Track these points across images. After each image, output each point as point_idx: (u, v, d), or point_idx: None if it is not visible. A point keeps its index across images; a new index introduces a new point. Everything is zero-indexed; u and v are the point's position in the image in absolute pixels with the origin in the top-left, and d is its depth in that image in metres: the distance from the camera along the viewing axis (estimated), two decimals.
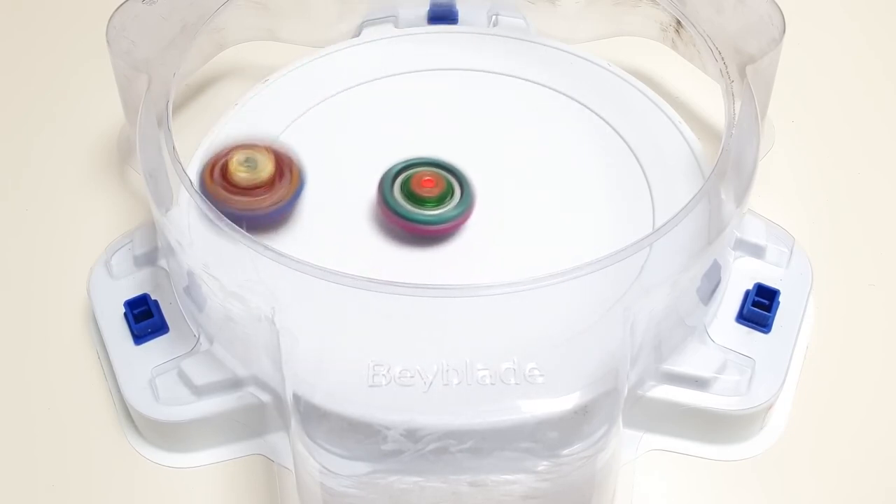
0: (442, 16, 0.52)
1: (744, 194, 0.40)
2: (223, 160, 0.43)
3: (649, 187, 0.45)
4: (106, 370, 0.43)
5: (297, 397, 0.36)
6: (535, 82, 0.49)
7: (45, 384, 0.43)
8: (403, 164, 0.44)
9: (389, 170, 0.44)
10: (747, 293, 0.43)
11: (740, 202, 0.40)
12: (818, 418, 0.42)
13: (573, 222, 0.44)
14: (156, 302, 0.43)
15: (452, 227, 0.43)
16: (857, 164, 0.51)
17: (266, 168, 0.43)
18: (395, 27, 0.52)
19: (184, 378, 0.40)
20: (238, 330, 0.40)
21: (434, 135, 0.46)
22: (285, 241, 0.43)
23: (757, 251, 0.44)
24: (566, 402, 0.36)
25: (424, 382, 0.37)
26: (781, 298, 0.43)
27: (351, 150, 0.46)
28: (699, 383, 0.40)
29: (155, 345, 0.42)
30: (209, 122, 0.47)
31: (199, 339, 0.42)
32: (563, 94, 0.48)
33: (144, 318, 0.42)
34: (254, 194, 0.42)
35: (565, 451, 0.36)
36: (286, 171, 0.43)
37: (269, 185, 0.42)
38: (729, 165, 0.42)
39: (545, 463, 0.36)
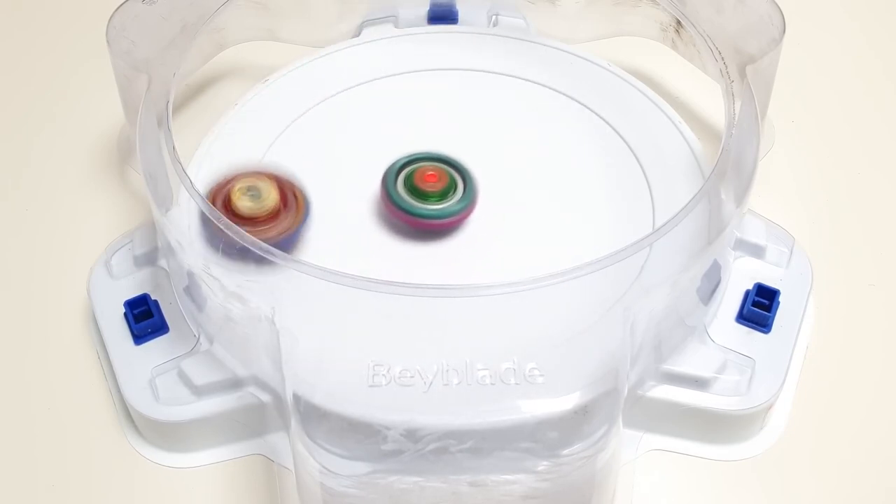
0: (442, 16, 0.52)
1: (744, 194, 0.40)
2: (225, 190, 0.42)
3: (649, 187, 0.45)
4: (106, 370, 0.43)
5: (297, 397, 0.36)
6: (535, 82, 0.49)
7: (45, 384, 0.43)
8: (407, 159, 0.44)
9: (393, 164, 0.44)
10: (747, 293, 0.43)
11: (740, 202, 0.40)
12: (818, 418, 0.42)
13: (573, 222, 0.44)
14: (156, 302, 0.43)
15: (455, 221, 0.43)
16: (857, 164, 0.51)
17: (270, 196, 0.42)
18: (395, 27, 0.52)
19: (184, 378, 0.40)
20: (238, 330, 0.40)
21: (434, 135, 0.46)
22: None
23: (757, 251, 0.44)
24: (566, 402, 0.36)
25: (424, 382, 0.37)
26: (781, 298, 0.43)
27: (351, 150, 0.46)
28: (699, 383, 0.40)
29: (155, 345, 0.42)
30: (209, 122, 0.47)
31: (199, 339, 0.42)
32: (563, 94, 0.48)
33: (144, 318, 0.42)
34: (259, 224, 0.41)
35: (565, 451, 0.36)
36: (291, 199, 0.42)
37: (275, 214, 0.41)
38: (729, 165, 0.42)
39: (545, 463, 0.36)
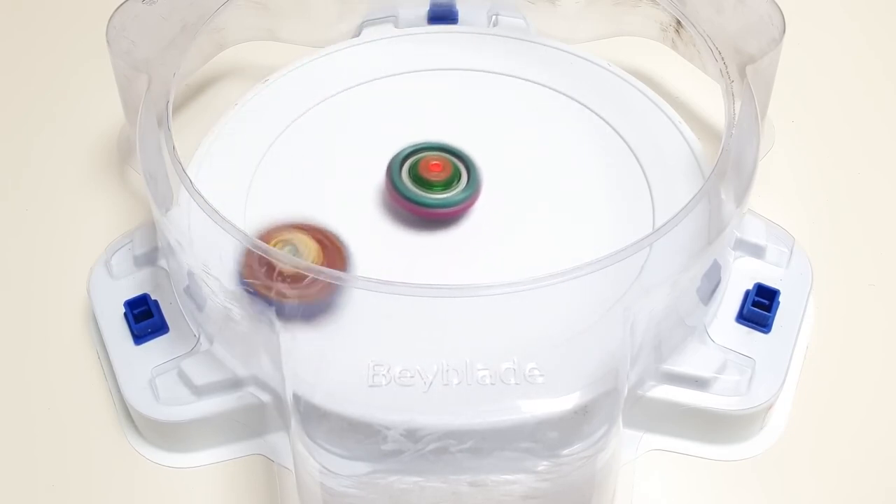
0: (442, 16, 0.52)
1: (744, 194, 0.40)
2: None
3: (649, 187, 0.45)
4: (106, 370, 0.43)
5: (297, 397, 0.36)
6: (535, 82, 0.49)
7: (45, 384, 0.43)
8: (411, 149, 0.44)
9: (397, 154, 0.44)
10: (747, 293, 0.43)
11: (740, 202, 0.40)
12: (818, 418, 0.42)
13: (573, 222, 0.44)
14: (156, 302, 0.43)
15: (459, 210, 0.43)
16: (857, 164, 0.51)
17: (311, 251, 0.40)
18: (395, 27, 0.52)
19: (184, 378, 0.40)
20: (238, 330, 0.40)
21: (434, 135, 0.46)
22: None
23: (757, 251, 0.44)
24: (566, 402, 0.36)
25: (424, 382, 0.37)
26: (781, 298, 0.43)
27: (351, 150, 0.46)
28: (699, 383, 0.40)
29: (155, 345, 0.42)
30: (209, 122, 0.47)
31: (199, 339, 0.42)
32: (563, 94, 0.48)
33: (144, 318, 0.42)
34: (302, 282, 0.38)
35: (565, 451, 0.36)
36: (333, 251, 0.40)
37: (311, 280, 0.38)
38: (729, 165, 0.42)
39: (545, 463, 0.36)
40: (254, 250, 0.38)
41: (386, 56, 0.50)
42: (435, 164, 0.43)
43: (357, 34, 0.52)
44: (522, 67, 0.50)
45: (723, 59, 0.44)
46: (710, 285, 0.42)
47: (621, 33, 0.52)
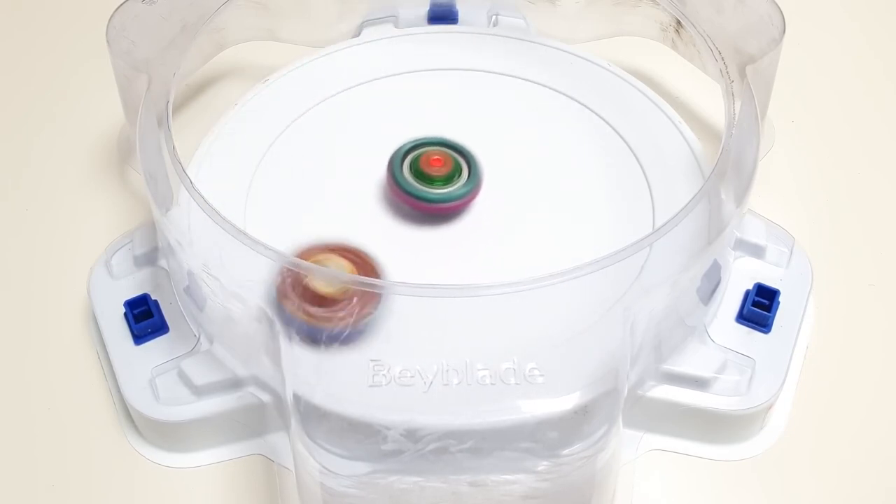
0: (442, 16, 0.52)
1: (744, 194, 0.40)
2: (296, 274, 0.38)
3: (649, 187, 0.45)
4: (106, 370, 0.43)
5: (297, 397, 0.36)
6: (535, 82, 0.49)
7: (45, 384, 0.43)
8: (413, 144, 0.44)
9: (399, 149, 0.44)
10: (747, 293, 0.43)
11: (740, 202, 0.40)
12: (818, 418, 0.42)
13: (573, 222, 0.44)
14: (156, 302, 0.43)
15: (460, 205, 0.43)
16: (857, 164, 0.51)
17: (345, 272, 0.39)
18: (395, 27, 0.52)
19: (184, 378, 0.40)
20: (238, 330, 0.40)
21: (434, 135, 0.46)
22: (291, 230, 0.43)
23: (757, 251, 0.44)
24: (566, 402, 0.36)
25: (424, 382, 0.37)
26: (781, 298, 0.43)
27: (351, 150, 0.46)
28: (699, 383, 0.40)
29: (155, 345, 0.42)
30: (209, 122, 0.47)
31: (199, 339, 0.42)
32: (563, 94, 0.48)
33: (144, 318, 0.42)
34: (339, 307, 0.37)
35: (565, 451, 0.36)
36: (367, 269, 0.39)
37: (352, 295, 0.38)
38: (729, 165, 0.42)
39: (545, 463, 0.36)
40: (299, 269, 0.38)
41: (386, 56, 0.50)
42: (436, 159, 0.44)
43: (357, 34, 0.52)
44: (522, 67, 0.50)
45: (723, 59, 0.44)
46: (710, 285, 0.42)
47: (621, 33, 0.52)
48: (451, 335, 0.39)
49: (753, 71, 0.44)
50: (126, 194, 0.49)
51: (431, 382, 0.37)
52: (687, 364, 0.40)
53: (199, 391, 0.40)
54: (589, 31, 0.52)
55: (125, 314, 0.42)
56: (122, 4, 0.46)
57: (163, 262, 0.44)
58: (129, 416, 0.42)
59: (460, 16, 0.52)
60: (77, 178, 0.50)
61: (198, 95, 0.53)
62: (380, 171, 0.44)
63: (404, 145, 0.44)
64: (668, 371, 0.40)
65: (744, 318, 0.42)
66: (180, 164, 0.41)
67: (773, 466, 0.41)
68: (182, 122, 0.51)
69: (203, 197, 0.40)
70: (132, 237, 0.45)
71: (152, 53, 0.45)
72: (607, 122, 0.47)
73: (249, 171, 0.45)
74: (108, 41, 0.45)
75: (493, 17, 0.52)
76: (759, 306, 0.42)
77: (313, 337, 0.37)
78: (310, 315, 0.37)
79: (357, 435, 0.36)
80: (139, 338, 0.42)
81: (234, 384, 0.40)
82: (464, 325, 0.39)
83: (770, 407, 0.41)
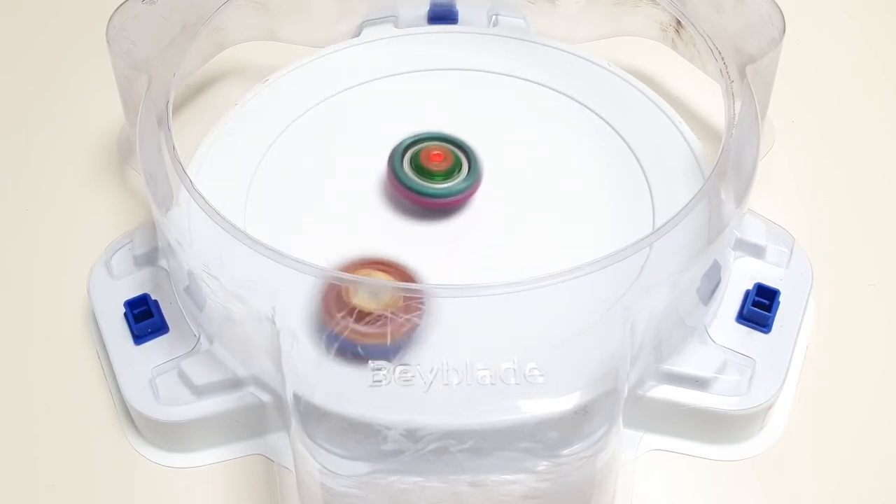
0: (442, 16, 0.52)
1: (744, 194, 0.40)
2: (339, 289, 0.38)
3: (649, 187, 0.45)
4: (106, 370, 0.43)
5: (297, 397, 0.36)
6: (535, 82, 0.49)
7: (45, 384, 0.43)
8: (413, 139, 0.44)
9: (399, 144, 0.44)
10: (747, 293, 0.43)
11: (740, 202, 0.40)
12: (818, 418, 0.42)
13: (573, 222, 0.44)
14: (156, 302, 0.43)
15: (460, 200, 0.44)
16: (857, 164, 0.51)
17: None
18: (395, 27, 0.52)
19: (184, 378, 0.40)
20: (238, 330, 0.40)
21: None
22: (291, 229, 0.43)
23: (757, 251, 0.44)
24: (566, 402, 0.36)
25: (424, 382, 0.37)
26: (781, 298, 0.43)
27: (351, 150, 0.46)
28: (699, 383, 0.40)
29: (155, 345, 0.42)
30: (209, 122, 0.47)
31: (199, 339, 0.42)
32: (563, 94, 0.48)
33: (144, 318, 0.42)
34: (380, 323, 0.37)
35: (565, 451, 0.36)
36: (406, 280, 0.39)
37: (396, 310, 0.37)
38: (729, 165, 0.42)
39: (545, 463, 0.36)
40: (349, 284, 0.37)
41: (386, 56, 0.50)
42: (436, 154, 0.44)
43: (357, 34, 0.52)
44: (522, 67, 0.50)
45: (723, 59, 0.44)
46: (710, 285, 0.42)
47: (621, 33, 0.52)
48: (451, 335, 0.39)
49: (753, 71, 0.44)
50: (126, 194, 0.49)
51: (431, 382, 0.37)
52: (687, 364, 0.40)
53: (199, 391, 0.40)
54: (589, 31, 0.52)
55: (125, 314, 0.42)
56: (122, 4, 0.46)
57: (163, 262, 0.44)
58: (129, 416, 0.42)
59: (460, 16, 0.52)
60: (77, 178, 0.50)
61: (198, 95, 0.53)
62: (379, 171, 0.44)
63: (405, 140, 0.44)
64: (668, 371, 0.40)
65: (744, 318, 0.42)
66: (180, 164, 0.41)
67: (773, 466, 0.41)
68: (182, 122, 0.51)
69: (203, 197, 0.40)
70: (132, 237, 0.45)
71: (152, 53, 0.45)
72: (607, 122, 0.47)
73: (249, 171, 0.45)
74: (108, 41, 0.45)
75: (493, 17, 0.52)
76: (760, 306, 0.42)
77: (364, 353, 0.37)
78: (358, 333, 0.37)
79: (357, 435, 0.36)
80: (139, 338, 0.42)
81: (234, 384, 0.40)
82: (464, 325, 0.39)
83: (770, 407, 0.41)
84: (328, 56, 0.50)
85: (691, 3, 0.47)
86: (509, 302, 0.37)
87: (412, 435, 0.35)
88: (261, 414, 0.40)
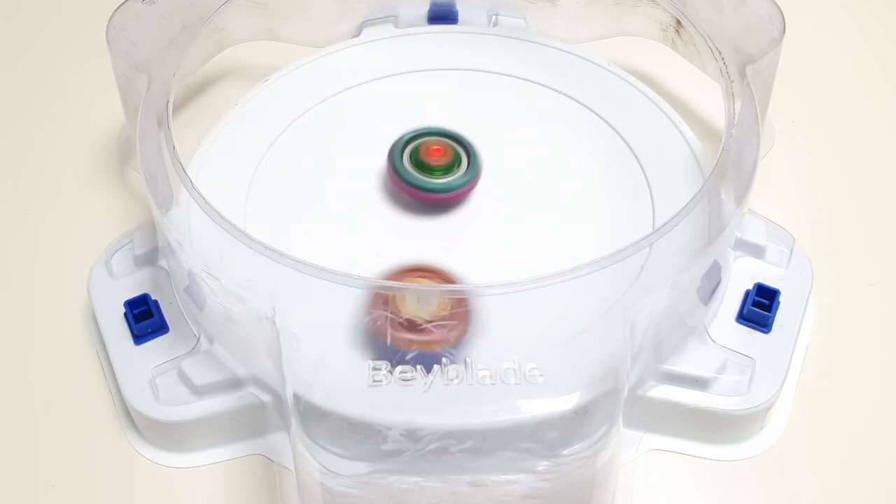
0: (442, 16, 0.52)
1: (744, 194, 0.40)
2: (388, 296, 0.38)
3: (649, 187, 0.45)
4: (106, 370, 0.43)
5: (297, 397, 0.36)
6: (535, 82, 0.49)
7: (45, 384, 0.43)
8: (412, 134, 0.45)
9: (399, 139, 0.44)
10: (747, 293, 0.43)
11: (740, 202, 0.40)
12: (818, 418, 0.42)
13: (573, 222, 0.44)
14: (156, 302, 0.43)
15: (459, 195, 0.44)
16: (857, 164, 0.51)
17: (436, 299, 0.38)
18: (395, 27, 0.52)
19: (184, 378, 0.40)
20: (238, 330, 0.40)
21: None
22: (291, 229, 0.43)
23: (757, 251, 0.44)
24: (566, 402, 0.36)
25: (424, 382, 0.37)
26: (781, 298, 0.43)
27: (351, 150, 0.46)
28: (699, 383, 0.40)
29: (155, 345, 0.42)
30: (209, 122, 0.47)
31: (199, 339, 0.42)
32: (563, 94, 0.48)
33: (144, 318, 0.42)
34: (428, 332, 0.37)
35: (565, 451, 0.36)
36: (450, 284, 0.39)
37: (443, 318, 0.37)
38: (729, 165, 0.42)
39: (545, 463, 0.36)
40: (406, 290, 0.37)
41: (386, 56, 0.50)
42: (436, 149, 0.44)
43: (357, 34, 0.52)
44: (522, 67, 0.50)
45: (723, 59, 0.44)
46: (710, 285, 0.42)
47: (621, 33, 0.52)
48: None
49: (753, 71, 0.44)
50: (126, 194, 0.49)
51: (431, 382, 0.37)
52: (687, 364, 0.40)
53: (199, 391, 0.40)
54: (589, 31, 0.52)
55: (125, 314, 0.42)
56: (122, 4, 0.46)
57: (163, 262, 0.44)
58: (129, 416, 0.42)
59: (460, 16, 0.52)
60: (77, 178, 0.50)
61: (198, 95, 0.53)
62: (379, 171, 0.44)
63: (404, 135, 0.45)
64: (668, 371, 0.40)
65: (744, 318, 0.42)
66: (180, 164, 0.41)
67: (773, 466, 0.41)
68: (182, 122, 0.51)
69: (203, 197, 0.40)
70: (132, 237, 0.45)
71: (152, 53, 0.45)
72: (607, 122, 0.47)
73: (249, 171, 0.45)
74: (108, 41, 0.45)
75: (493, 17, 0.52)
76: (760, 306, 0.42)
77: (420, 362, 0.37)
78: (412, 342, 0.37)
79: (357, 435, 0.36)
80: (139, 338, 0.42)
81: (234, 384, 0.40)
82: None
83: (770, 407, 0.41)
84: (328, 56, 0.50)
85: (691, 3, 0.47)
86: (509, 302, 0.37)
87: (412, 435, 0.35)
88: (261, 414, 0.40)
